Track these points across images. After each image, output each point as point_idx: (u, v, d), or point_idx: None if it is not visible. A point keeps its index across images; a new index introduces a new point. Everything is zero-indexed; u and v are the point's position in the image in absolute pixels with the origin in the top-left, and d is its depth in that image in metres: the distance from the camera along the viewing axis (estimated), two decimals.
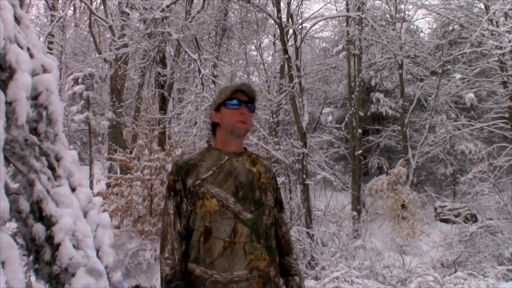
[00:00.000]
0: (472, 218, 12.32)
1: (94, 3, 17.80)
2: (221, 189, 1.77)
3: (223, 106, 1.88)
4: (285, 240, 1.94)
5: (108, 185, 12.24)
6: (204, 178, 1.79)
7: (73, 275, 2.86)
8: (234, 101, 1.86)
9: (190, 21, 10.49)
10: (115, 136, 15.07)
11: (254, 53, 17.54)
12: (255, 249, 1.74)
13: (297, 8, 14.60)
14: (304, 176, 11.22)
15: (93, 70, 15.51)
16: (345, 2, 16.18)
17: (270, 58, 18.54)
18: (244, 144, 1.96)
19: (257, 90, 14.98)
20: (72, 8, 20.57)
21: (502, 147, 13.24)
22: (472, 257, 9.24)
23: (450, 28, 17.30)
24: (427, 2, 17.15)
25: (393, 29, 15.02)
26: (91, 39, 17.48)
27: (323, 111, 18.25)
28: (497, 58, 13.47)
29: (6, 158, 2.74)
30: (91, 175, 15.49)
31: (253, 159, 1.90)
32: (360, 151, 15.32)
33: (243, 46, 15.57)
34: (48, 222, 2.88)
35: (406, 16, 16.28)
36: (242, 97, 1.87)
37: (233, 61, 17.05)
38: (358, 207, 14.08)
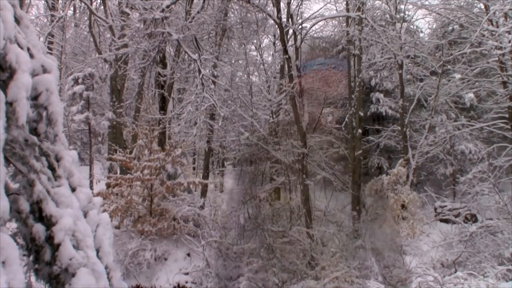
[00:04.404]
0: (472, 218, 12.32)
1: (94, 3, 17.80)
2: None
3: None
4: None
5: (108, 185, 12.24)
6: None
7: (73, 275, 2.86)
8: None
9: (190, 21, 10.49)
10: (115, 136, 15.04)
11: (254, 53, 17.54)
12: None
13: (297, 8, 14.60)
14: (304, 176, 11.22)
15: (93, 70, 15.48)
16: (345, 2, 16.17)
17: (270, 58, 18.54)
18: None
19: (257, 90, 15.00)
20: (72, 8, 20.60)
21: (502, 147, 13.25)
22: (472, 257, 9.23)
23: (450, 28, 17.30)
24: (427, 2, 17.11)
25: (393, 29, 15.03)
26: (91, 39, 17.47)
27: (323, 111, 18.23)
28: (497, 58, 13.47)
29: (6, 158, 2.74)
30: (91, 175, 15.47)
31: None
32: (360, 151, 15.31)
33: (243, 46, 15.55)
34: (48, 222, 2.88)
35: (406, 16, 16.31)
36: None
37: (233, 61, 17.03)
38: (358, 207, 14.07)
